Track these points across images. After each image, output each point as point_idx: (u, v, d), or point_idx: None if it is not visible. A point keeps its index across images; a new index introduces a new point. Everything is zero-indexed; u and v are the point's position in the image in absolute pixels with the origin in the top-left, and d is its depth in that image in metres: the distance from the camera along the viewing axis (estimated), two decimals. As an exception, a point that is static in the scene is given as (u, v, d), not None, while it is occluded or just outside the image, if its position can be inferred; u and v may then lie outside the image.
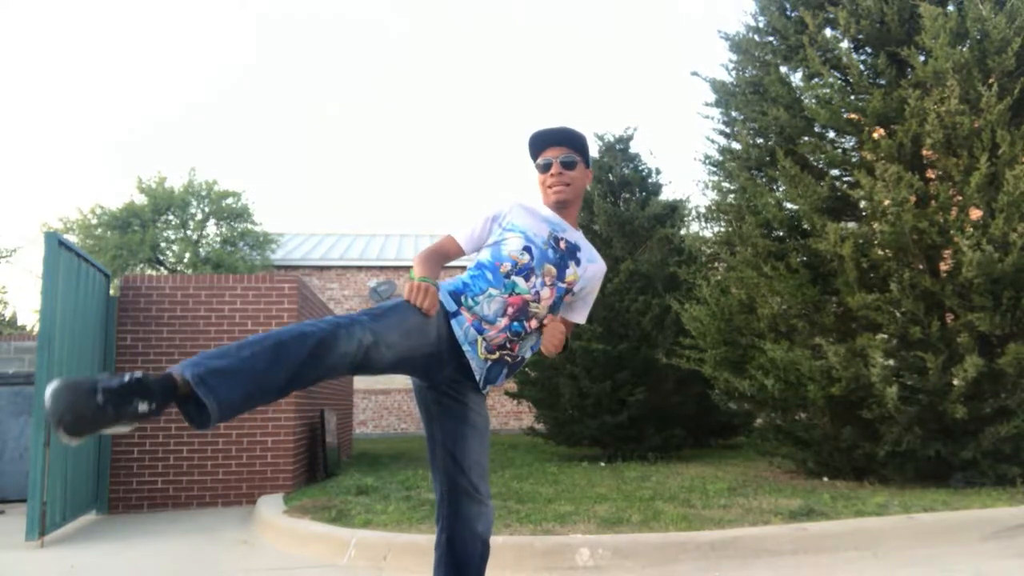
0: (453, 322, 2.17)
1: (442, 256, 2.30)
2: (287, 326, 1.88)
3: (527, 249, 2.27)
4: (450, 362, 2.17)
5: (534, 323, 2.27)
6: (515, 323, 2.22)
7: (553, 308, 2.33)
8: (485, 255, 2.31)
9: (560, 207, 2.41)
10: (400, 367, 2.09)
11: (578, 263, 2.37)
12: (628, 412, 8.37)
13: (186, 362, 1.80)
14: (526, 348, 2.33)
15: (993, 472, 5.51)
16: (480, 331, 2.18)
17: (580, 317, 2.52)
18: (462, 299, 2.21)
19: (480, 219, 2.37)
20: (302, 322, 1.90)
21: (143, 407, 1.66)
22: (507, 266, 2.24)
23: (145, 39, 66.88)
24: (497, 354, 2.22)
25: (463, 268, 2.39)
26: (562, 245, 2.34)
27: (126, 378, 1.66)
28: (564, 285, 2.32)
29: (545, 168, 2.40)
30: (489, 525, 2.25)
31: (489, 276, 2.23)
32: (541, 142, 2.42)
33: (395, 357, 2.00)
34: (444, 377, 2.20)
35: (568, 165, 2.39)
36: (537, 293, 2.25)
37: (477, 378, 2.22)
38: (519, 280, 2.24)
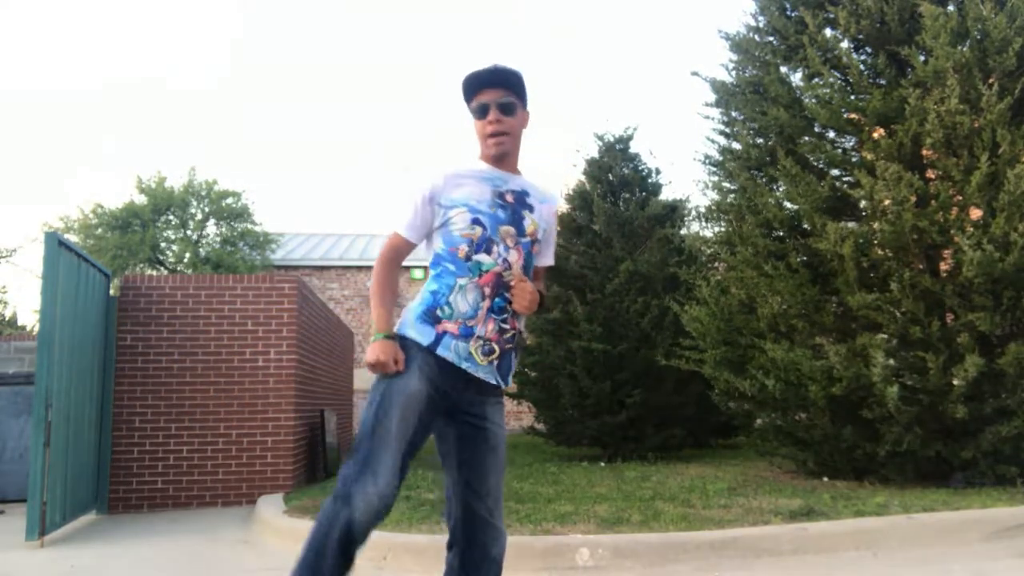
0: (439, 351, 2.10)
1: (395, 265, 2.24)
2: (310, 540, 1.97)
3: (476, 221, 2.15)
4: (456, 389, 2.11)
5: None
6: (496, 299, 2.15)
7: (527, 268, 2.24)
8: (439, 244, 2.20)
9: (500, 160, 2.26)
10: (423, 436, 2.08)
11: (531, 209, 2.26)
12: (628, 412, 8.37)
13: None
14: (521, 318, 2.25)
15: (993, 472, 5.51)
16: (468, 335, 2.11)
17: (548, 259, 2.41)
18: (438, 312, 2.13)
19: (414, 204, 2.20)
20: (319, 523, 1.97)
21: None
22: (464, 248, 2.15)
23: (145, 39, 66.91)
24: (497, 350, 2.15)
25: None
26: (509, 199, 2.22)
27: None
28: (527, 239, 2.23)
29: (481, 113, 2.22)
30: (503, 549, 2.18)
31: (451, 267, 2.15)
32: (475, 84, 2.23)
33: (411, 446, 2.03)
34: (460, 404, 2.14)
35: (506, 109, 2.21)
36: (505, 260, 2.16)
37: (494, 382, 2.16)
38: (482, 257, 2.15)
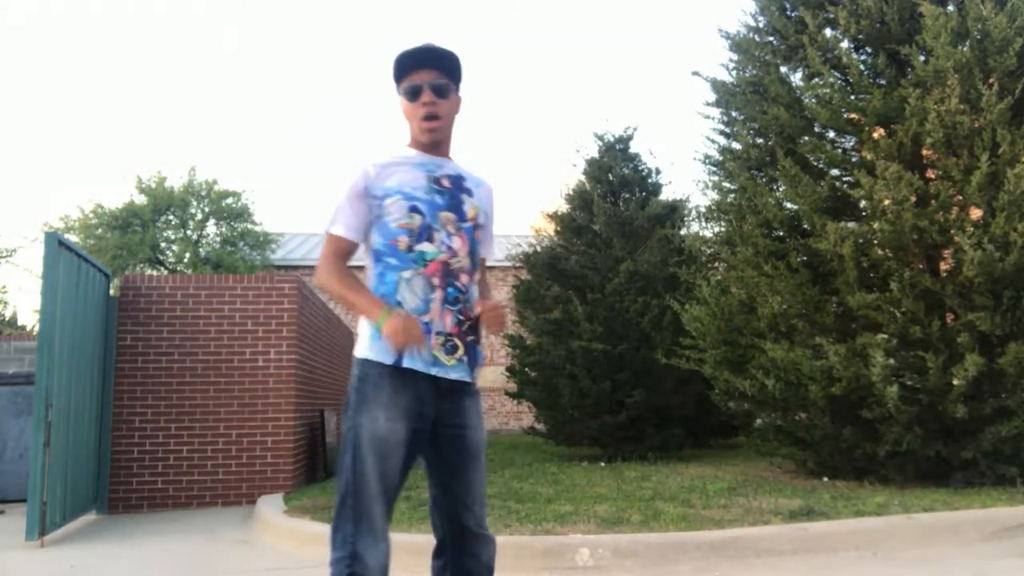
0: (404, 364, 1.98)
1: (342, 264, 2.09)
2: None
3: (414, 209, 2.03)
4: (432, 403, 2.02)
5: (464, 278, 2.08)
6: (449, 289, 2.03)
7: (473, 254, 2.11)
8: (376, 239, 2.07)
9: (433, 147, 2.13)
10: (407, 470, 2.02)
11: (470, 193, 2.14)
12: (628, 412, 8.37)
13: None
14: (474, 303, 2.12)
15: (993, 472, 5.51)
16: (426, 333, 1.99)
17: (490, 250, 2.27)
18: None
19: (347, 200, 2.07)
20: None
21: None
22: (404, 239, 2.02)
23: (144, 38, 66.94)
24: (460, 345, 2.04)
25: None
26: (446, 183, 2.10)
27: None
28: (469, 223, 2.11)
29: (413, 94, 2.08)
30: (494, 553, 2.12)
31: (392, 261, 2.03)
32: (408, 63, 2.10)
33: (397, 489, 2.00)
34: (438, 417, 2.05)
35: (440, 91, 2.08)
36: (449, 248, 2.05)
37: (469, 379, 2.08)
38: (424, 246, 2.03)
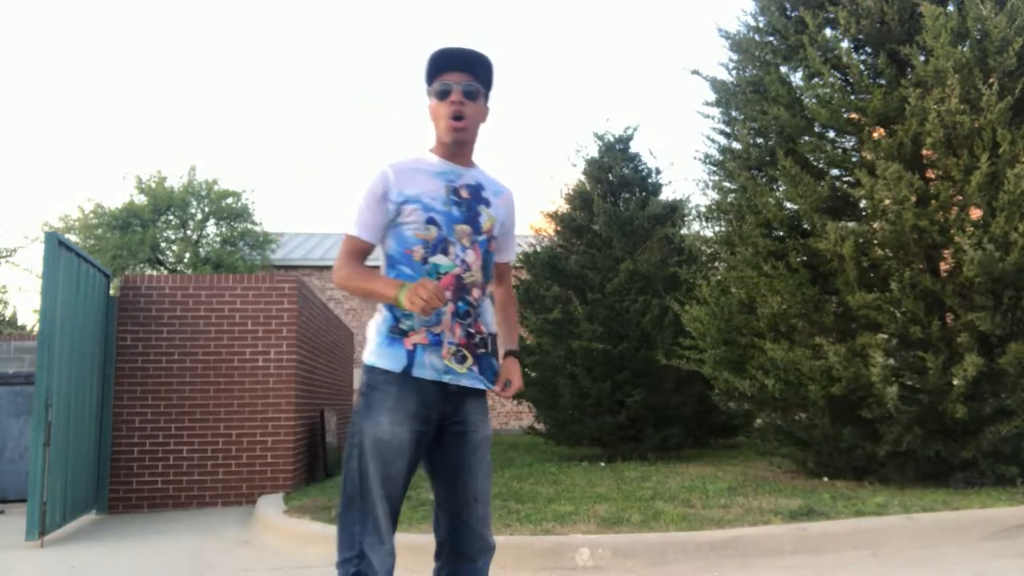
0: (415, 373, 1.98)
1: (360, 260, 2.09)
2: None
3: (431, 220, 2.02)
4: (440, 409, 2.03)
5: (476, 292, 2.07)
6: (459, 303, 2.03)
7: (485, 268, 2.11)
8: (391, 245, 2.08)
9: (457, 147, 2.11)
10: (411, 474, 2.02)
11: (488, 204, 2.13)
12: (628, 412, 8.37)
13: None
14: (487, 317, 2.12)
15: (993, 472, 5.51)
16: (438, 344, 2.00)
17: (509, 254, 2.27)
18: (401, 325, 2.01)
19: (365, 202, 2.06)
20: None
21: None
22: (419, 250, 2.03)
23: (145, 37, 66.93)
24: (469, 356, 2.04)
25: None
26: (464, 194, 2.09)
27: None
28: (484, 236, 2.10)
29: (443, 95, 2.06)
30: (489, 561, 2.12)
31: (407, 270, 2.03)
32: (441, 63, 2.08)
33: (402, 492, 2.00)
34: (443, 419, 2.05)
35: (470, 95, 2.07)
36: (464, 262, 2.05)
37: (481, 387, 2.08)
38: (439, 259, 2.03)
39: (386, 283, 1.98)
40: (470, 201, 2.09)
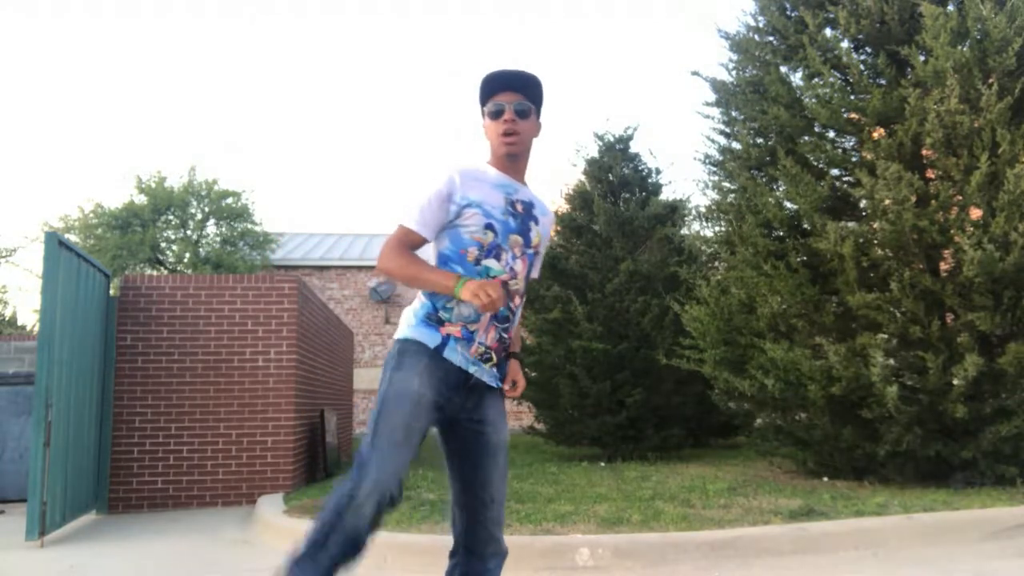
0: (445, 354, 2.08)
1: (407, 250, 2.14)
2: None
3: (489, 226, 2.12)
4: (459, 395, 2.10)
5: (517, 300, 2.18)
6: (501, 308, 2.12)
7: (527, 279, 2.23)
8: (445, 244, 2.16)
9: (511, 160, 2.22)
10: (420, 441, 2.04)
11: (536, 221, 2.24)
12: (628, 412, 8.37)
13: None
14: (515, 326, 2.24)
15: (993, 472, 5.51)
16: (470, 340, 2.10)
17: (537, 271, 2.36)
18: (440, 314, 2.10)
19: (429, 198, 2.13)
20: (326, 512, 2.00)
21: None
22: (474, 251, 2.11)
23: (145, 38, 66.94)
24: (495, 358, 2.15)
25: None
26: (519, 208, 2.20)
27: None
28: (532, 250, 2.21)
29: (496, 114, 2.19)
30: (501, 563, 2.16)
31: (459, 269, 2.11)
32: (494, 85, 2.21)
33: (413, 450, 2.00)
34: (461, 412, 2.12)
35: (522, 114, 2.19)
36: (512, 270, 2.15)
37: (496, 385, 2.17)
38: (491, 262, 2.12)
39: (443, 274, 2.07)
40: (523, 216, 2.21)
